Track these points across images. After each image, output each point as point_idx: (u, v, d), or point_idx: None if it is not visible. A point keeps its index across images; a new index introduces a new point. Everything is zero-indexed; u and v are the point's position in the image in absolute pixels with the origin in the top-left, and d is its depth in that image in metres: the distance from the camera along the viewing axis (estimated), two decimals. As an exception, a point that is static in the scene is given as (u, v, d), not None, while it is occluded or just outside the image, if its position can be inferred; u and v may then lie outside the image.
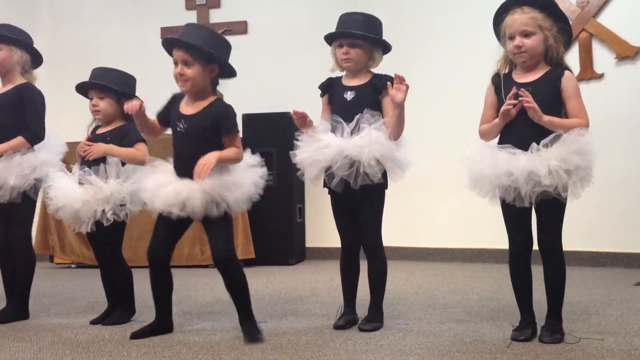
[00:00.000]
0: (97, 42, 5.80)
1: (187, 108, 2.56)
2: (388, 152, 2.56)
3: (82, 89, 2.93)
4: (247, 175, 2.54)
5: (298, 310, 3.10)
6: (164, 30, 5.70)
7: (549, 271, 2.39)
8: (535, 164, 2.24)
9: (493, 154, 2.35)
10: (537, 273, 2.44)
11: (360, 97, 2.66)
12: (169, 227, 2.53)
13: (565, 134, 2.28)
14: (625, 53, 4.57)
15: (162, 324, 2.64)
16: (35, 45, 3.10)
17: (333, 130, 2.62)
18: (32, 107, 2.96)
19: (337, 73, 2.79)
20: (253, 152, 2.64)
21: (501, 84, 2.41)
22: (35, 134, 2.95)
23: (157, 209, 2.52)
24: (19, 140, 2.92)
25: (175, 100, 2.62)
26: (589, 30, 4.66)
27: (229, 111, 2.53)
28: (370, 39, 2.66)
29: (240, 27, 5.53)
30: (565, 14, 4.80)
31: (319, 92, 2.81)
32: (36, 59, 3.11)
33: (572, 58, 4.70)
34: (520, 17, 2.33)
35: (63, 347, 2.46)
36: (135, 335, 2.55)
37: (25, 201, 2.95)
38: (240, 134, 2.61)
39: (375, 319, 2.67)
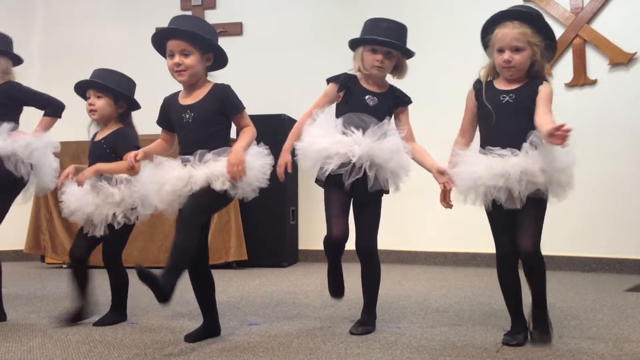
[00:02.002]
0: (92, 41, 5.79)
1: (189, 99, 2.55)
2: (406, 162, 2.62)
3: (80, 88, 2.92)
4: (254, 160, 2.52)
5: (290, 313, 3.10)
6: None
7: (529, 272, 2.37)
8: (528, 163, 2.27)
9: (485, 157, 2.36)
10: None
11: (382, 104, 2.66)
12: None
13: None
14: (619, 59, 4.60)
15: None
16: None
17: (357, 128, 2.58)
18: (26, 94, 3.00)
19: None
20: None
21: (482, 89, 2.45)
22: (52, 105, 3.03)
23: (166, 194, 2.46)
24: (46, 120, 3.01)
25: (169, 102, 2.62)
26: (582, 36, 4.69)
27: (231, 91, 2.55)
28: (407, 52, 2.68)
29: (236, 29, 5.52)
30: (559, 19, 4.90)
31: (322, 86, 2.73)
32: (16, 60, 3.11)
33: (566, 64, 4.74)
34: (511, 32, 2.35)
35: (53, 348, 2.45)
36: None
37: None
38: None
39: (368, 323, 2.67)
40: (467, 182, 2.39)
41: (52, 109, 3.05)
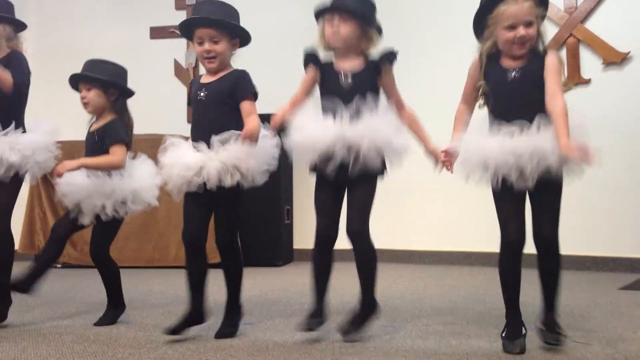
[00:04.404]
0: (86, 40, 5.77)
1: (209, 78, 2.62)
2: (388, 139, 2.48)
3: (73, 84, 2.93)
4: (261, 144, 2.53)
5: (285, 312, 3.10)
6: (153, 29, 5.69)
7: (544, 263, 2.31)
8: (539, 141, 2.22)
9: (494, 133, 2.31)
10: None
11: (359, 82, 2.53)
12: (199, 209, 2.54)
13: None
14: (612, 59, 4.61)
15: (196, 315, 2.58)
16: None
17: (331, 114, 2.51)
18: (14, 63, 2.86)
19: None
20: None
21: (483, 63, 2.40)
22: (16, 82, 2.80)
23: (176, 177, 2.51)
24: (6, 74, 2.78)
25: (195, 81, 2.68)
26: (576, 35, 4.70)
27: (247, 76, 2.60)
28: (353, 12, 2.52)
29: (230, 28, 5.51)
30: (553, 19, 4.91)
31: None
32: (19, 26, 3.01)
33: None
34: (522, 7, 2.31)
35: (47, 348, 2.44)
36: (171, 331, 2.50)
37: (13, 182, 2.85)
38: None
39: (359, 317, 2.53)
40: (475, 157, 2.31)
41: (15, 83, 2.80)
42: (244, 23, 2.69)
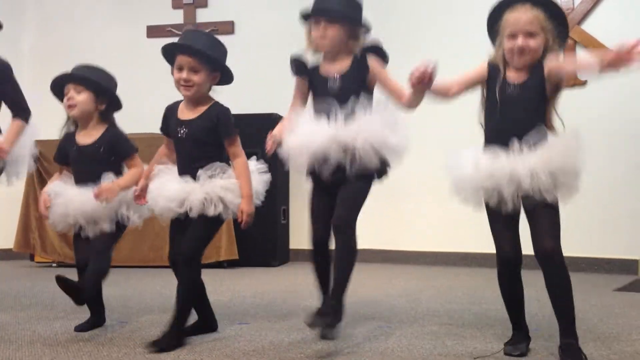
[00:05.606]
0: (82, 39, 5.75)
1: (187, 113, 2.57)
2: (383, 138, 2.42)
3: (57, 85, 2.76)
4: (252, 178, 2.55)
5: (281, 312, 3.09)
6: (150, 28, 5.67)
7: (549, 279, 2.17)
8: (516, 165, 2.15)
9: (476, 157, 2.26)
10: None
11: (347, 83, 2.50)
12: (182, 234, 2.51)
13: (551, 136, 2.21)
14: (609, 61, 4.62)
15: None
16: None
17: (324, 116, 2.47)
18: (6, 86, 2.77)
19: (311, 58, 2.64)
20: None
21: (496, 76, 2.27)
22: (25, 111, 2.77)
23: (159, 206, 2.51)
24: (18, 124, 2.74)
25: (171, 111, 2.63)
26: (573, 37, 4.70)
27: (227, 114, 2.55)
28: (348, 18, 2.49)
29: (227, 27, 5.49)
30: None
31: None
32: None
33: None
34: (525, 15, 2.18)
35: (42, 347, 2.43)
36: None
37: None
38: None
39: (328, 313, 2.31)
40: (458, 181, 2.29)
41: (24, 113, 2.78)
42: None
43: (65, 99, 2.74)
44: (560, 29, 2.26)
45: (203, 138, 2.51)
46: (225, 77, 2.60)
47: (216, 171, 2.48)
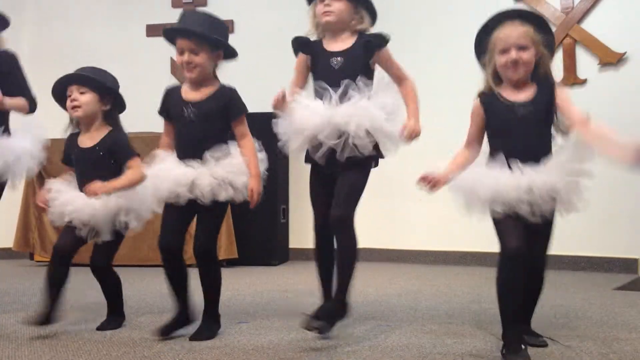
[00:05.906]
0: (82, 38, 5.76)
1: (193, 94, 2.56)
2: (379, 123, 2.40)
3: (60, 87, 2.72)
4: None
5: (280, 311, 3.09)
6: (149, 27, 5.67)
7: (531, 284, 2.33)
8: (553, 179, 2.18)
9: (501, 171, 2.23)
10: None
11: (350, 62, 2.49)
12: (177, 215, 2.51)
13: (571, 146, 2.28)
14: (608, 59, 4.62)
15: (183, 316, 2.58)
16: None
17: (320, 98, 2.48)
18: (15, 74, 2.84)
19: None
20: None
21: (491, 101, 2.30)
22: (33, 100, 2.87)
23: (165, 191, 2.48)
24: (22, 100, 2.82)
25: (172, 92, 2.62)
26: (572, 36, 4.71)
27: (236, 94, 2.57)
28: None
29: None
30: (550, 19, 4.92)
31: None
32: (2, 23, 2.97)
33: (556, 63, 4.76)
34: (516, 30, 2.25)
35: (42, 345, 2.43)
36: (161, 332, 2.49)
37: None
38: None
39: (325, 314, 2.38)
40: (486, 195, 2.23)
41: (32, 101, 2.89)
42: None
43: (68, 101, 2.70)
44: (548, 37, 2.33)
45: (213, 119, 2.51)
46: (228, 52, 2.61)
47: (223, 153, 2.48)
